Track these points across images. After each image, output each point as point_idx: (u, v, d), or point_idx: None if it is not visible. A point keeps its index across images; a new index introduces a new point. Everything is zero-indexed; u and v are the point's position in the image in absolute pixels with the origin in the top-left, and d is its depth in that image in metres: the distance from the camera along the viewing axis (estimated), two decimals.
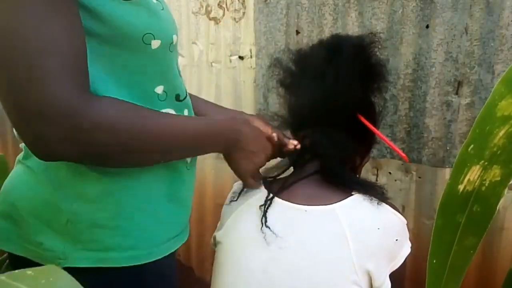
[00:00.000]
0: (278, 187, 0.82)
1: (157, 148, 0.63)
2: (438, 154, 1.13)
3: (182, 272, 1.82)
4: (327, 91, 0.80)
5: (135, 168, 0.67)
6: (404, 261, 0.77)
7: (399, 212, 0.77)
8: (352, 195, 0.77)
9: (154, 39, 0.64)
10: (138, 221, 0.68)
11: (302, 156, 0.84)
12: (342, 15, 1.23)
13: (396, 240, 0.75)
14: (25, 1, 0.51)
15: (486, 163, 0.59)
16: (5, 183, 0.72)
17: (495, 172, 0.58)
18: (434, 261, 0.64)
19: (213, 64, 1.62)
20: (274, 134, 0.81)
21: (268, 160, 0.82)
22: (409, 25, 1.12)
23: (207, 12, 1.59)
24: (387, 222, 0.75)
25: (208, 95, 1.60)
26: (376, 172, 1.26)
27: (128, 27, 0.60)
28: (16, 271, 0.45)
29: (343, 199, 0.76)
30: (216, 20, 1.57)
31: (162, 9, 0.68)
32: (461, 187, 0.60)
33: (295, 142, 0.82)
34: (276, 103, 1.42)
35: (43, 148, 0.55)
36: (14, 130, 0.59)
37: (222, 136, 0.72)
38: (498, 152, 0.58)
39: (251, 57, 1.50)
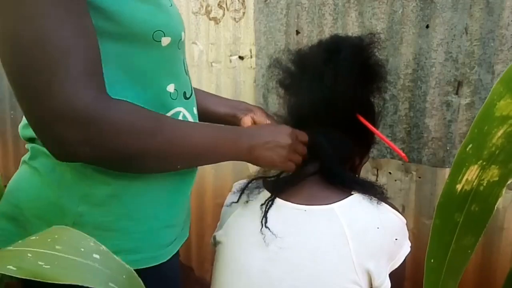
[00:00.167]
0: (278, 187, 0.82)
1: (175, 153, 0.63)
2: (438, 154, 1.13)
3: (182, 272, 1.82)
4: (326, 92, 0.80)
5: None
6: (404, 260, 0.77)
7: (398, 211, 0.78)
8: (351, 194, 0.77)
9: (164, 36, 0.64)
10: (143, 224, 0.68)
11: None
12: (342, 15, 1.23)
13: (396, 239, 0.75)
14: (38, 8, 0.51)
15: (484, 163, 0.58)
16: (9, 184, 0.72)
17: (493, 172, 0.58)
18: (432, 261, 0.64)
19: (213, 64, 1.62)
20: None
21: (291, 142, 0.76)
22: (409, 25, 1.12)
23: (207, 12, 1.59)
24: (387, 221, 0.75)
25: None
26: (376, 172, 1.26)
27: (138, 24, 0.60)
28: (20, 241, 0.46)
29: (343, 199, 0.76)
30: (216, 20, 1.57)
31: (171, 6, 0.68)
32: (459, 187, 0.60)
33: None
34: (276, 103, 1.42)
35: (63, 151, 0.56)
36: (19, 130, 0.59)
37: (240, 141, 0.71)
38: (497, 152, 0.57)
39: (251, 57, 1.50)
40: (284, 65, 0.89)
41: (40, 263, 0.41)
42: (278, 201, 0.79)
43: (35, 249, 0.43)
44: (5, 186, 0.73)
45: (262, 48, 1.45)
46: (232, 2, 1.51)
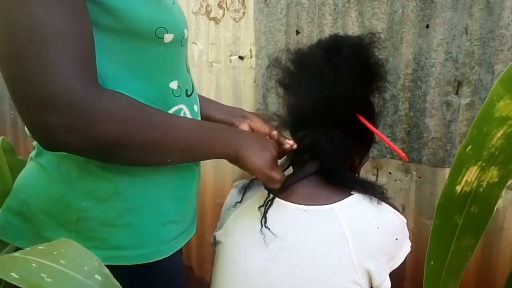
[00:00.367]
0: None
1: (163, 146, 0.63)
2: (438, 154, 1.13)
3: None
4: (326, 91, 0.80)
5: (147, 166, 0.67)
6: (404, 260, 0.77)
7: (399, 211, 0.77)
8: (351, 194, 0.77)
9: (167, 33, 0.64)
10: (148, 219, 0.68)
11: (301, 156, 0.85)
12: (342, 15, 1.23)
13: (396, 239, 0.75)
14: None
15: (483, 164, 0.58)
16: (17, 180, 0.73)
17: (493, 173, 0.58)
18: (432, 262, 0.64)
19: (213, 64, 1.62)
20: (274, 132, 0.81)
21: (277, 153, 0.77)
22: (409, 25, 1.12)
23: (207, 12, 1.59)
24: (387, 221, 0.75)
25: (208, 95, 1.60)
26: (376, 172, 1.26)
27: (140, 20, 0.60)
28: (27, 248, 0.46)
29: (343, 199, 0.76)
30: (216, 20, 1.57)
31: (173, 4, 0.68)
32: (459, 188, 0.60)
33: (291, 142, 0.83)
34: (276, 103, 1.42)
35: (47, 137, 0.56)
36: (25, 129, 0.59)
37: (230, 138, 0.72)
38: (496, 153, 0.57)
39: (251, 57, 1.50)
40: (284, 65, 0.89)
41: (42, 275, 0.41)
42: (278, 201, 0.79)
43: (41, 260, 0.43)
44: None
45: (262, 48, 1.45)
46: (232, 2, 1.51)
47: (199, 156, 0.72)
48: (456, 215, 0.61)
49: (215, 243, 0.86)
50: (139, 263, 0.67)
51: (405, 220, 0.77)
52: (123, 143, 0.58)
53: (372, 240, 0.73)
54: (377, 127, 0.88)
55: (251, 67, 1.50)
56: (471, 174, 0.59)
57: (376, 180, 1.25)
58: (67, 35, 0.53)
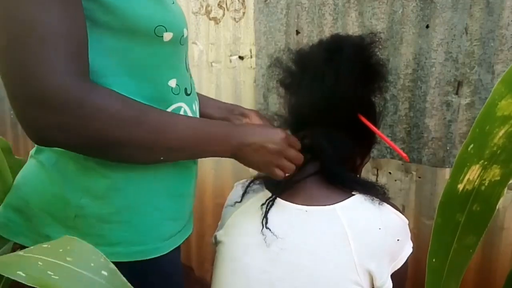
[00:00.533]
0: (279, 187, 0.82)
1: (158, 144, 0.63)
2: (438, 154, 1.13)
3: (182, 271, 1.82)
4: (327, 91, 0.80)
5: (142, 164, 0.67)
6: (406, 261, 0.77)
7: (400, 212, 0.77)
8: (353, 195, 0.77)
9: (166, 31, 0.64)
10: (145, 216, 0.69)
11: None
12: (342, 15, 1.23)
13: (398, 240, 0.75)
14: None
15: (485, 162, 0.59)
16: (17, 178, 0.73)
17: (495, 172, 0.58)
18: (434, 260, 0.64)
19: (213, 64, 1.62)
20: None
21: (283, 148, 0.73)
22: (409, 25, 1.12)
23: (207, 12, 1.59)
24: (389, 222, 0.75)
25: (208, 95, 1.58)
26: (376, 172, 1.26)
27: (139, 19, 0.61)
28: (32, 247, 0.46)
29: (344, 199, 0.76)
30: (216, 20, 1.57)
31: (173, 3, 0.68)
32: (460, 187, 0.60)
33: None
34: (276, 103, 1.42)
35: (39, 133, 0.56)
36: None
37: (228, 138, 0.70)
38: (498, 151, 0.58)
39: (251, 57, 1.50)
40: (285, 65, 0.89)
41: (49, 272, 0.41)
42: (279, 201, 0.79)
43: (46, 258, 0.43)
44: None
45: (262, 48, 1.45)
46: (232, 2, 1.51)
47: (197, 154, 0.71)
48: (458, 213, 0.61)
49: (216, 243, 0.86)
50: (136, 259, 0.67)
51: (407, 221, 0.77)
52: (117, 141, 0.58)
53: (374, 240, 0.73)
54: (378, 127, 0.88)
55: (251, 67, 1.50)
56: (473, 173, 0.59)
57: (376, 180, 1.25)
58: (60, 32, 0.53)
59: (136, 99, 0.61)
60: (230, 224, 0.84)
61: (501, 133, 0.57)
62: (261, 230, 0.76)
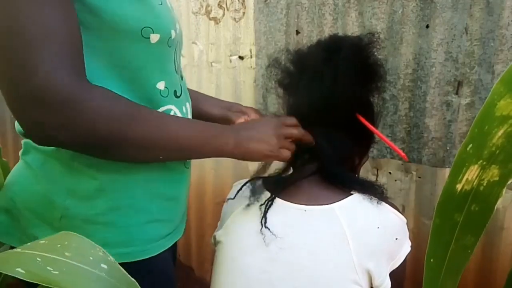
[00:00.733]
0: (278, 187, 0.82)
1: (153, 144, 0.63)
2: (438, 154, 1.13)
3: (182, 272, 1.82)
4: (325, 91, 0.80)
5: (132, 165, 0.67)
6: (404, 260, 0.77)
7: (399, 211, 0.77)
8: (351, 194, 0.77)
9: (153, 33, 0.64)
10: (132, 218, 0.68)
11: (301, 156, 0.84)
12: (342, 15, 1.23)
13: (396, 239, 0.75)
14: None
15: (484, 162, 0.58)
16: (7, 178, 0.74)
17: (494, 172, 0.58)
18: (432, 260, 0.64)
19: (213, 64, 1.62)
20: None
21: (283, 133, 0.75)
22: (409, 25, 1.12)
23: (207, 12, 1.59)
24: (387, 221, 0.75)
25: (208, 94, 1.60)
26: (376, 172, 1.26)
27: (125, 20, 0.61)
28: (29, 243, 0.46)
29: (343, 199, 0.76)
30: (216, 20, 1.57)
31: (161, 4, 0.68)
32: (459, 187, 0.60)
33: None
34: (275, 103, 1.42)
35: (39, 134, 0.56)
36: (15, 124, 0.60)
37: (224, 137, 0.71)
38: (497, 152, 0.57)
39: (251, 57, 1.50)
40: (283, 65, 0.89)
41: (49, 268, 0.41)
42: (278, 201, 0.79)
43: (45, 254, 0.43)
44: None
45: (262, 48, 1.45)
46: (232, 2, 1.51)
47: (197, 153, 0.71)
48: (456, 213, 0.61)
49: (215, 243, 0.86)
50: (123, 261, 0.67)
51: (405, 220, 0.77)
52: (113, 140, 0.59)
53: (372, 240, 0.73)
54: (376, 127, 0.88)
55: (251, 67, 1.50)
56: (471, 173, 0.59)
57: (376, 180, 1.25)
58: (55, 32, 0.53)
59: None
60: (229, 224, 0.84)
61: (500, 133, 0.57)
62: (260, 230, 0.76)
